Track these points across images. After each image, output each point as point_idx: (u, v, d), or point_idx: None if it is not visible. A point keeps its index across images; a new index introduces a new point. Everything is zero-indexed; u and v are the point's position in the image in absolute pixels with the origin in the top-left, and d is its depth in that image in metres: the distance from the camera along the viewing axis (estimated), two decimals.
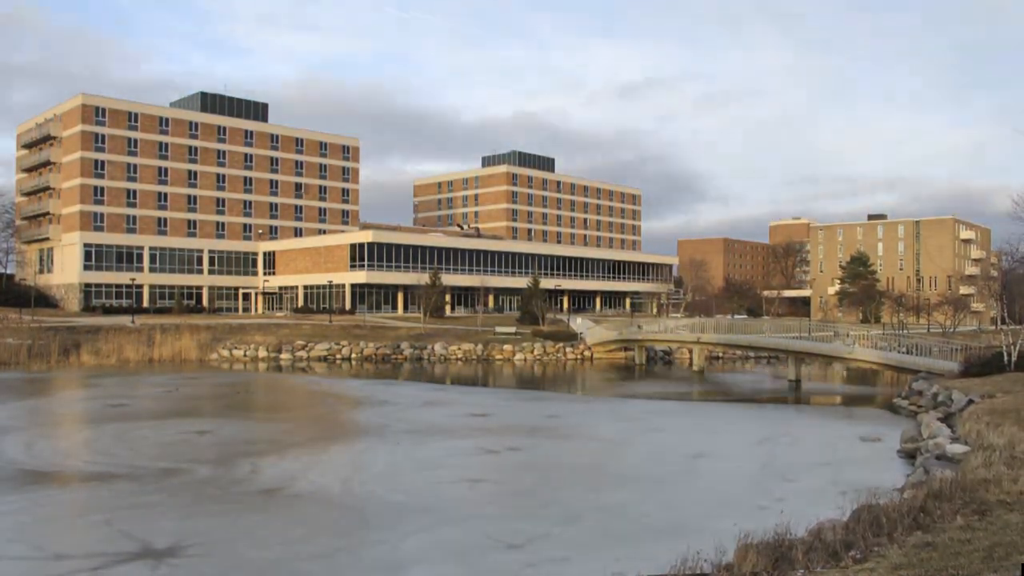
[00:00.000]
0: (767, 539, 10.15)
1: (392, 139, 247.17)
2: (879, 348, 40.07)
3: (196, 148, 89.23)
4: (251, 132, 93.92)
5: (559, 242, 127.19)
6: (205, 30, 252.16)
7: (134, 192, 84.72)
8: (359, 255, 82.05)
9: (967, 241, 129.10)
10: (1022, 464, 13.81)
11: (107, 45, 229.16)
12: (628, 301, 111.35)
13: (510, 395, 39.57)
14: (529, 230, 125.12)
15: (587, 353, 61.11)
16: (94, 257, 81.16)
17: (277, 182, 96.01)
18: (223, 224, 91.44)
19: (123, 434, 23.84)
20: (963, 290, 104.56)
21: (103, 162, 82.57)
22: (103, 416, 28.17)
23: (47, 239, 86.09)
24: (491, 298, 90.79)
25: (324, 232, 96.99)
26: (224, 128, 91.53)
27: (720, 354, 62.06)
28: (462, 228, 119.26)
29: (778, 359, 55.17)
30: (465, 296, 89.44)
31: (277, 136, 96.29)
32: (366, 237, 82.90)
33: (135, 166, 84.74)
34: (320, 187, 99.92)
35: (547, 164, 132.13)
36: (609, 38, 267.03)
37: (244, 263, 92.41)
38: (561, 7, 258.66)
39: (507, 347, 61.04)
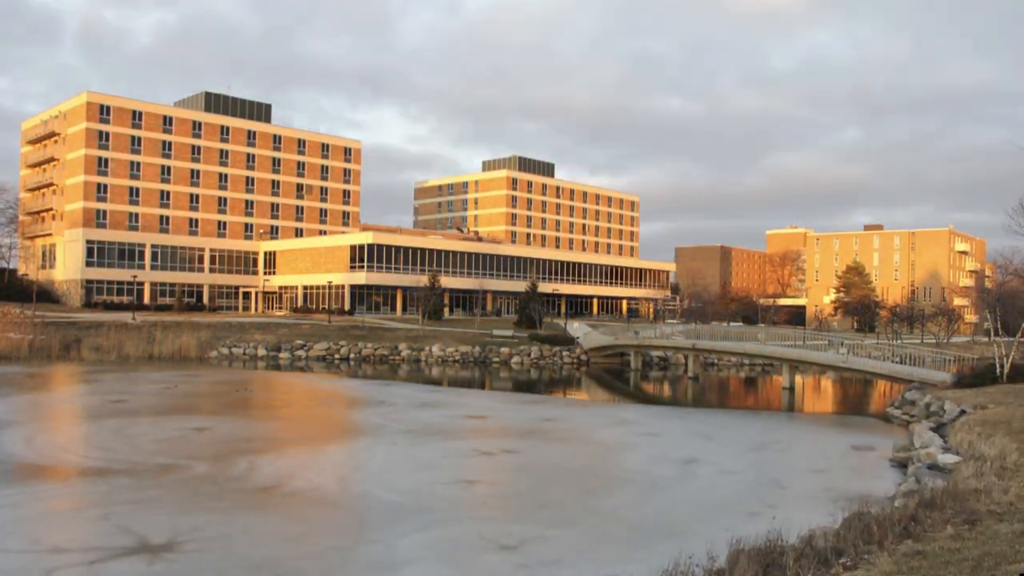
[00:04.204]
0: (759, 545, 10.26)
1: None
2: (873, 357, 40.16)
3: (199, 147, 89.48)
4: (254, 132, 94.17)
5: (557, 247, 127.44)
6: None
7: (137, 190, 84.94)
8: (359, 256, 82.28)
9: (962, 253, 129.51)
10: (1013, 475, 13.92)
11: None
12: (625, 306, 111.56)
13: (507, 398, 39.66)
14: (528, 234, 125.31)
15: (583, 357, 61.20)
16: (96, 254, 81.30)
17: (279, 182, 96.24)
18: (225, 223, 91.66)
19: (122, 430, 23.95)
20: (957, 301, 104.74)
21: (107, 159, 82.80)
22: (102, 411, 28.25)
23: (50, 235, 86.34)
24: (489, 300, 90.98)
25: (325, 233, 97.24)
26: (227, 128, 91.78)
27: (715, 361, 62.25)
28: (462, 231, 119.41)
29: (773, 367, 55.34)
30: (463, 299, 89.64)
31: (279, 137, 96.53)
32: (366, 239, 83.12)
33: (138, 164, 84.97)
34: (321, 188, 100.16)
35: (547, 169, 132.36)
36: None
37: (245, 262, 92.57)
38: None
39: (504, 350, 61.14)
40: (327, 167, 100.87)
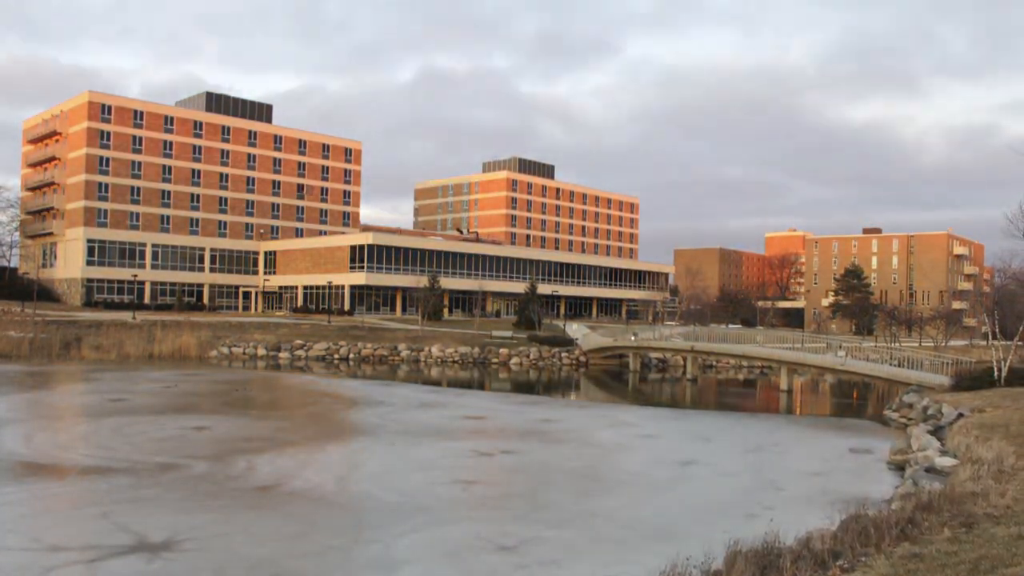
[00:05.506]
0: (756, 547, 10.25)
1: None
2: (871, 360, 40.21)
3: (200, 147, 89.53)
4: (255, 133, 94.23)
5: (557, 248, 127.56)
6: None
7: (138, 189, 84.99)
8: (359, 257, 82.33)
9: (960, 256, 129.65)
10: (1010, 478, 13.96)
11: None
12: (624, 308, 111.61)
13: (505, 398, 39.68)
14: (528, 235, 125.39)
15: (582, 359, 61.28)
16: (97, 253, 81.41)
17: (279, 183, 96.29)
18: (225, 223, 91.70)
19: (121, 428, 23.99)
20: (955, 305, 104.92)
21: (108, 159, 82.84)
22: (102, 410, 28.29)
23: (51, 234, 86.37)
24: (488, 301, 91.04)
25: (325, 233, 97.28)
26: (228, 128, 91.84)
27: (714, 363, 62.36)
28: (461, 232, 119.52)
29: (771, 369, 55.38)
30: (463, 300, 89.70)
31: (280, 137, 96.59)
32: (366, 239, 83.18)
33: (139, 163, 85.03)
34: (322, 188, 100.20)
35: (547, 171, 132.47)
36: None
37: (245, 262, 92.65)
38: None
39: (503, 351, 61.22)
40: (327, 167, 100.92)
